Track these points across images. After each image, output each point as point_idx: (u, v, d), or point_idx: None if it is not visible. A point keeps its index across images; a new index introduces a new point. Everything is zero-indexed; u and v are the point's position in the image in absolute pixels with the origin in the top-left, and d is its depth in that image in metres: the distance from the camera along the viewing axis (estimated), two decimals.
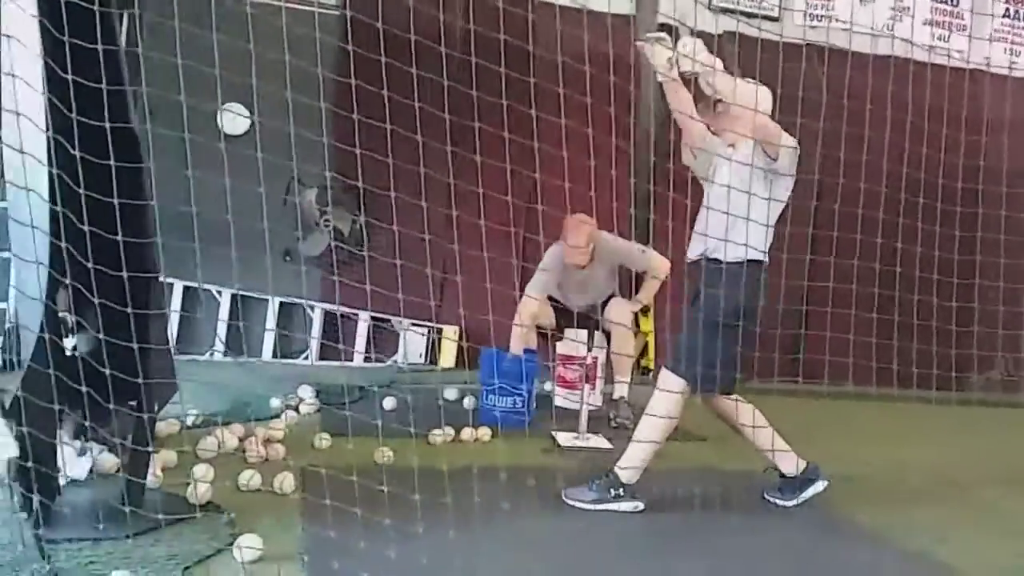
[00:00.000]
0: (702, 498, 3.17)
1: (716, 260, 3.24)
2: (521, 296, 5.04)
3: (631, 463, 3.29)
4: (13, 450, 2.40)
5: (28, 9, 2.42)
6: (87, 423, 2.62)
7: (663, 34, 3.24)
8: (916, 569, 3.04)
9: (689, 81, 3.26)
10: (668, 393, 3.25)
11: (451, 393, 4.88)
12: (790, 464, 3.42)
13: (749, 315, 3.20)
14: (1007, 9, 7.45)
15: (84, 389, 2.42)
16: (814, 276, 5.14)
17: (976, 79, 6.65)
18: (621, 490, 3.27)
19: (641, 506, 3.27)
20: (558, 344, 5.03)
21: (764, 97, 3.25)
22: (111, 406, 2.52)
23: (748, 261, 3.20)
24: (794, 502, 3.42)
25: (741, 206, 3.15)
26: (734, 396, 3.38)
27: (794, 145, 3.24)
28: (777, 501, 3.46)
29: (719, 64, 3.19)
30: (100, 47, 2.34)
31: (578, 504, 3.28)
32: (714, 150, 3.31)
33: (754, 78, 3.33)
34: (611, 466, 3.32)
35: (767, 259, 3.29)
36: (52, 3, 2.42)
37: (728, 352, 3.19)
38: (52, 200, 2.40)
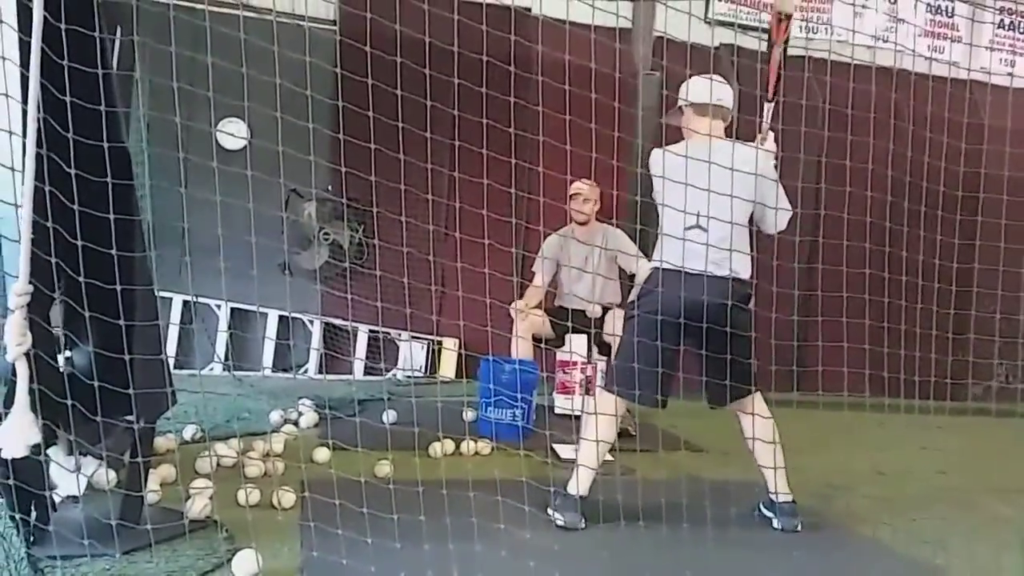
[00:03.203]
0: (701, 510, 3.16)
1: None
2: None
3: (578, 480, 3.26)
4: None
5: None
6: (77, 439, 2.58)
7: None
8: None
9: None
10: (599, 413, 3.23)
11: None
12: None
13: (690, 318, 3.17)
14: (1001, 20, 7.51)
15: (76, 404, 2.39)
16: (811, 285, 5.12)
17: (971, 89, 6.67)
18: (559, 500, 3.23)
19: (561, 522, 3.17)
20: (557, 352, 5.03)
21: (726, 94, 3.41)
22: (102, 420, 2.49)
23: (662, 270, 3.29)
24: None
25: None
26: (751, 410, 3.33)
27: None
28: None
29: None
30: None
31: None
32: None
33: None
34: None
35: (681, 269, 3.23)
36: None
37: (639, 356, 3.17)
38: (43, 215, 2.38)
